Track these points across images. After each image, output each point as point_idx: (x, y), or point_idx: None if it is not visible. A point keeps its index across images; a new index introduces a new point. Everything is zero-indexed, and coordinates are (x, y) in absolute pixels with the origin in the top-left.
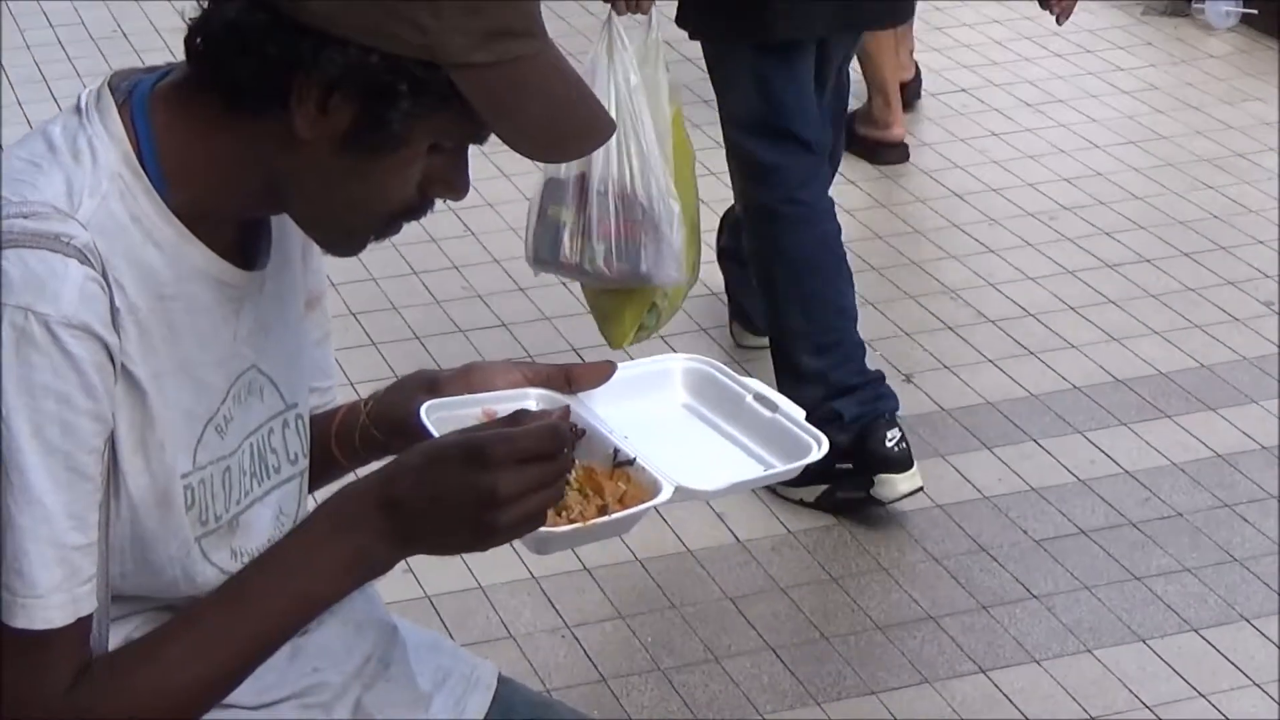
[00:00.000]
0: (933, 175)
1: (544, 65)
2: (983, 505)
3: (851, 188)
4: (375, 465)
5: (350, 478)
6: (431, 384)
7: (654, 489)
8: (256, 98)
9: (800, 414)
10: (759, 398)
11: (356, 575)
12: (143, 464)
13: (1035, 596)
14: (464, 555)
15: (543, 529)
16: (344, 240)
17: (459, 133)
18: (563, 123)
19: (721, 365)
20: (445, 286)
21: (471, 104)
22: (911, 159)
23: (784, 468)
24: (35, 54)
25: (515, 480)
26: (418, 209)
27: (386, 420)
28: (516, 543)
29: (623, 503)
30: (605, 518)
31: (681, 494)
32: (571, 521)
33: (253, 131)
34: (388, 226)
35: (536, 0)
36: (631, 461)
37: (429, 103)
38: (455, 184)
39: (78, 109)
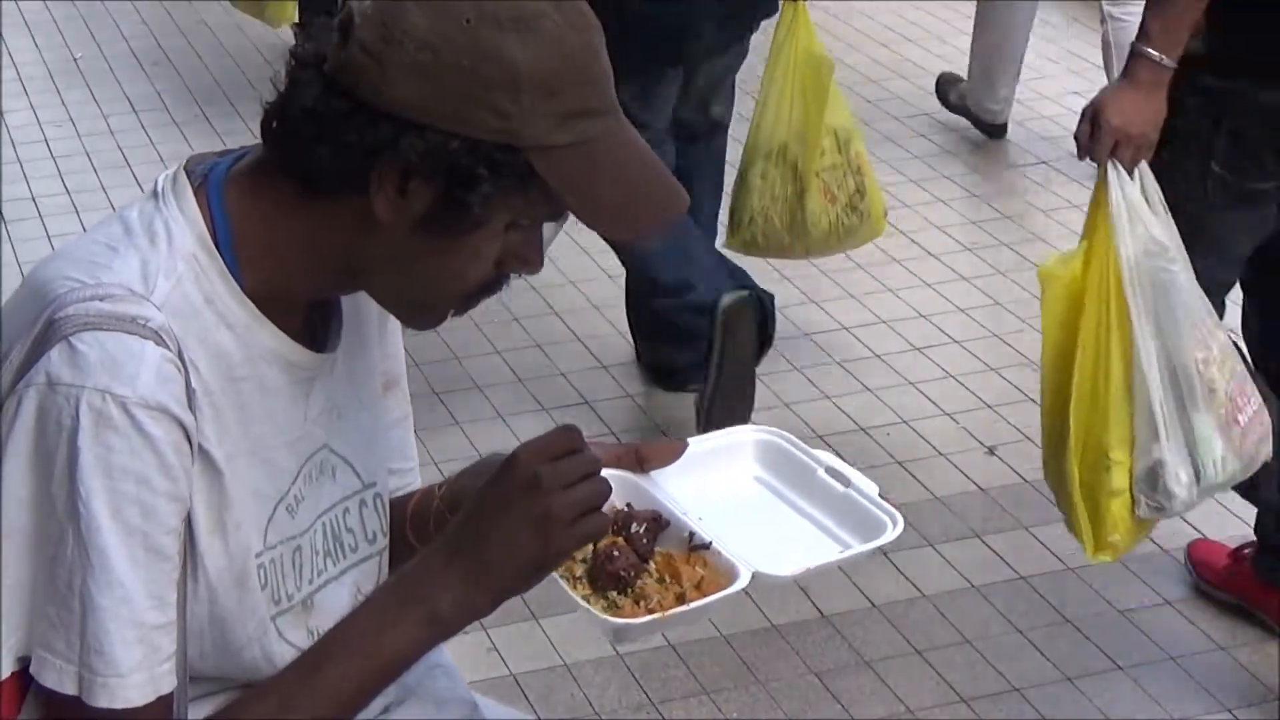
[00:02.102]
0: (1013, 248)
1: (619, 143)
2: (1067, 577)
3: (932, 261)
4: None
5: None
6: None
7: (731, 574)
8: (334, 182)
9: (873, 489)
10: (831, 471)
11: (432, 631)
12: (221, 545)
13: (1120, 668)
14: (548, 634)
15: (620, 620)
16: (421, 316)
17: (537, 212)
18: (638, 199)
19: (792, 437)
20: (528, 365)
21: (550, 184)
22: (993, 234)
23: (860, 549)
24: (119, 139)
25: (554, 469)
26: (494, 285)
27: (459, 505)
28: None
29: (700, 589)
30: (682, 607)
31: (758, 580)
32: (650, 611)
33: (329, 213)
34: (465, 302)
35: (609, 78)
36: (707, 545)
37: (508, 184)
38: (530, 259)
39: (155, 193)
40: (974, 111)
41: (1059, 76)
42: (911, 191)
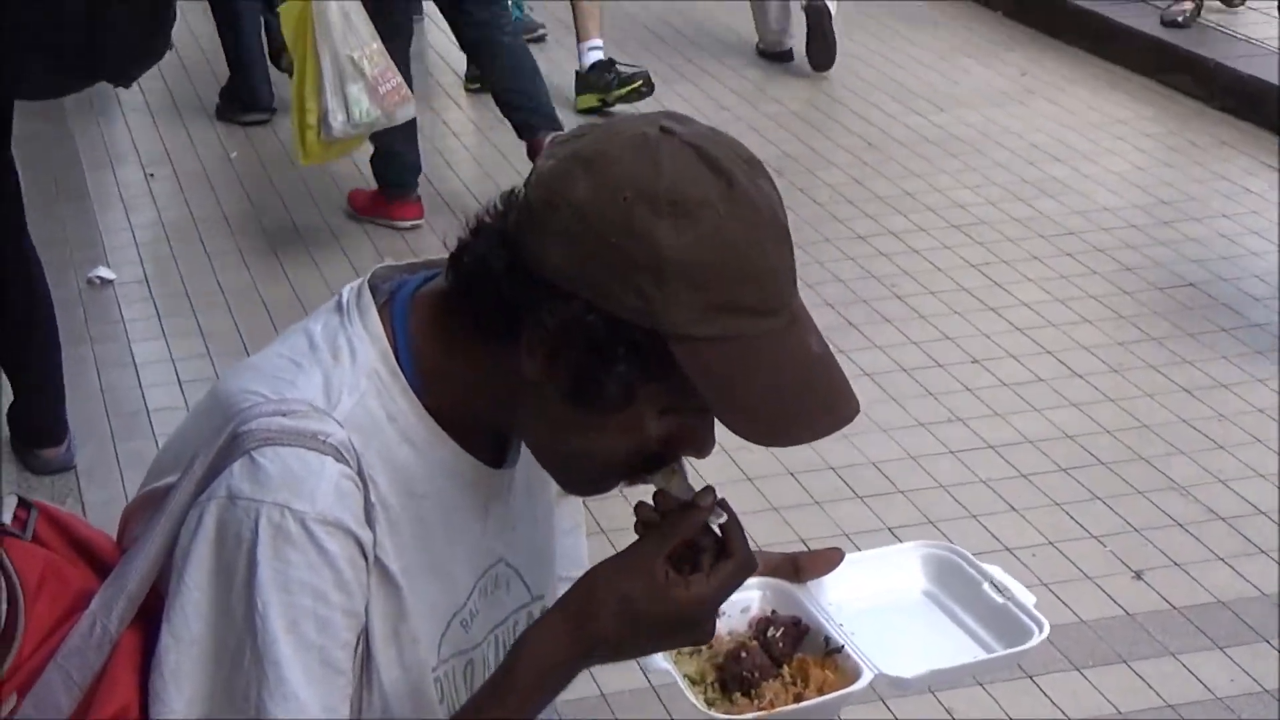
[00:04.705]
0: (1160, 370)
1: (777, 344)
2: (1214, 706)
3: (1078, 381)
4: None
5: None
6: None
7: (855, 675)
8: (495, 329)
9: (1030, 599)
10: (993, 584)
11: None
12: (396, 656)
13: None
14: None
15: (722, 715)
16: (573, 482)
17: (683, 401)
18: (784, 409)
19: (963, 551)
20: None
21: (686, 373)
22: (1140, 356)
23: (996, 654)
24: (270, 240)
25: (711, 588)
26: (661, 462)
27: None
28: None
29: (821, 691)
30: (787, 708)
31: (882, 681)
32: (760, 709)
33: (497, 358)
34: (630, 476)
35: (783, 277)
36: (840, 649)
37: (647, 368)
38: (699, 445)
39: (339, 306)
40: (761, 46)
41: (1208, 199)
42: (1057, 310)
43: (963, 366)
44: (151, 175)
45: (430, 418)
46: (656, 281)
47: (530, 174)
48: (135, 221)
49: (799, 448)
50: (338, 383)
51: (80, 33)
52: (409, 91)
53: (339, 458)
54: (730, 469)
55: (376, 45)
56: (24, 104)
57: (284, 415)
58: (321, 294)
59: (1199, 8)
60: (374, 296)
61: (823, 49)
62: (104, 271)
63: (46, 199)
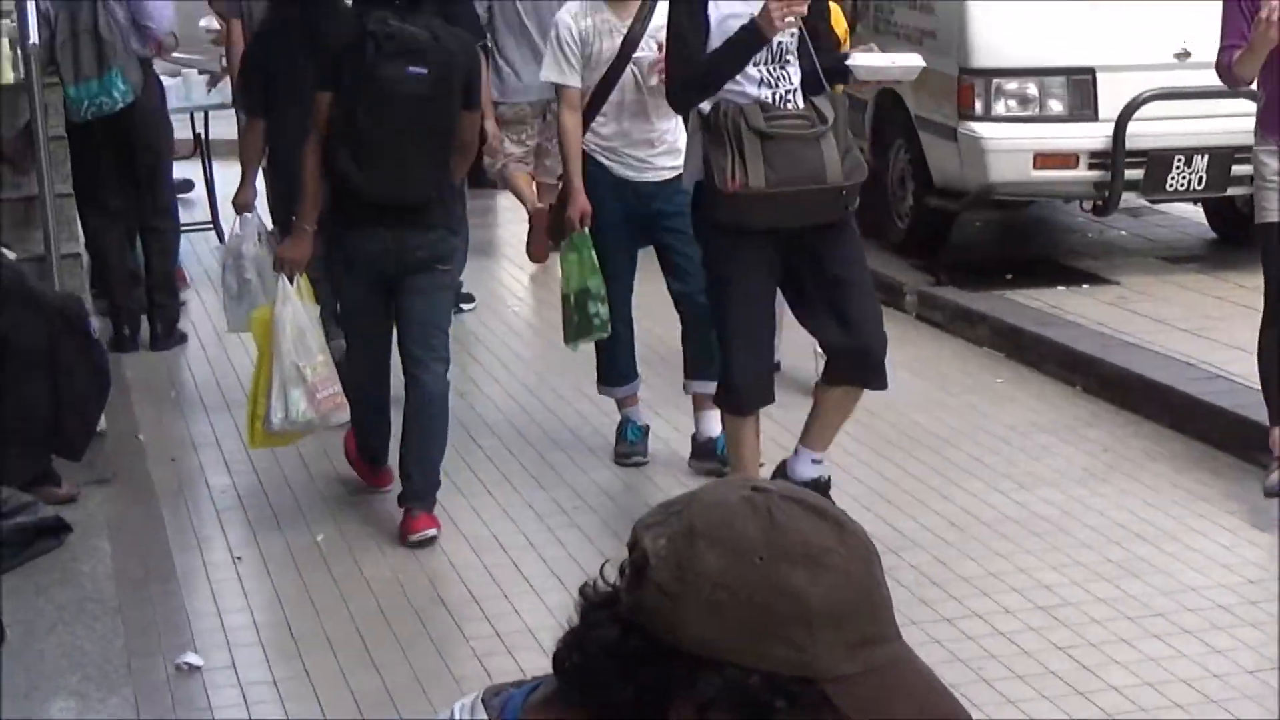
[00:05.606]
0: None
1: (905, 666)
2: None
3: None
4: None
5: None
6: None
7: None
8: (634, 716)
9: None
10: None
11: None
12: None
13: None
14: None
15: None
16: None
17: None
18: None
19: None
20: None
21: (844, 712)
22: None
23: None
24: (359, 623)
25: None
26: None
27: None
28: None
29: None
30: None
31: None
32: None
33: None
34: None
35: (890, 605)
36: None
37: (803, 714)
38: None
39: None
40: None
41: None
42: (1147, 695)
43: None
44: (239, 558)
45: None
46: (806, 630)
47: (638, 557)
48: (223, 606)
49: None
50: None
51: (44, 415)
52: (344, 399)
53: None
54: None
55: (323, 358)
56: (115, 488)
57: None
58: (410, 684)
59: None
60: (487, 712)
61: None
62: (191, 658)
63: (135, 583)
